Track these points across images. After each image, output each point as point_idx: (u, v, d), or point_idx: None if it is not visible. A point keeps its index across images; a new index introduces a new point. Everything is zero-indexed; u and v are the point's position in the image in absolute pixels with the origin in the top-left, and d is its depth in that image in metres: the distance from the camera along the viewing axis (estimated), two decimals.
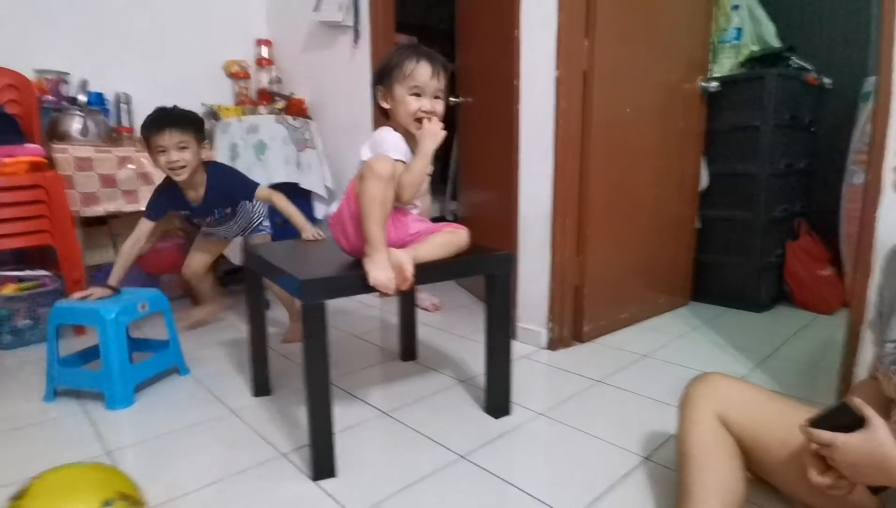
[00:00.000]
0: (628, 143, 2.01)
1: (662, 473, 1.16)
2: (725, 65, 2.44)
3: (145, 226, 1.78)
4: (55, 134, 2.31)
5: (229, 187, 1.89)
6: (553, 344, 1.90)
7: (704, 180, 2.39)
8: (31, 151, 2.01)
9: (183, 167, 1.72)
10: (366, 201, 1.15)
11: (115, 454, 1.28)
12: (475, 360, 1.81)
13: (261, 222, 2.04)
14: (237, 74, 3.02)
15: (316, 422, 1.15)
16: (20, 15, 2.41)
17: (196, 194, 1.83)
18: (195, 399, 1.58)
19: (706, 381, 1.03)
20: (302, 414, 1.43)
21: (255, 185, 1.91)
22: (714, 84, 2.25)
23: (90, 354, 1.68)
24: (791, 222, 2.43)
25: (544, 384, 1.66)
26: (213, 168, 1.88)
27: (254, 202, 1.98)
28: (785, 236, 2.40)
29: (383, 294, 1.17)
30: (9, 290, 2.02)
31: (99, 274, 2.44)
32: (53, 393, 1.56)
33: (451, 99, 2.38)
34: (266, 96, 2.91)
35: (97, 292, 1.63)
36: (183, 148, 1.71)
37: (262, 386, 1.58)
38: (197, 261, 2.07)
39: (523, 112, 1.88)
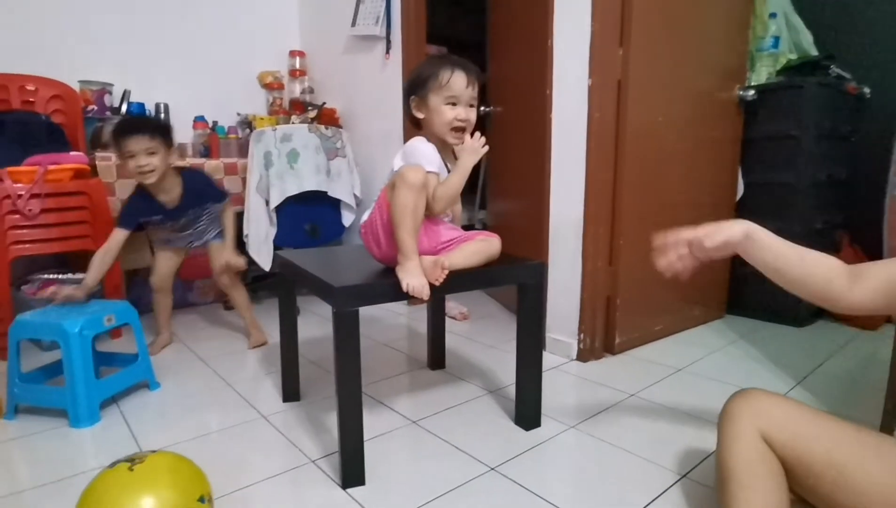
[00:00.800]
0: (662, 152, 1.97)
1: (700, 492, 1.12)
2: (763, 73, 2.38)
3: (119, 235, 1.80)
4: (98, 143, 2.39)
5: (204, 191, 1.96)
6: (583, 356, 1.87)
7: (739, 190, 2.33)
8: (75, 159, 2.08)
9: (151, 171, 1.77)
10: (397, 210, 1.15)
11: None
12: (504, 370, 1.79)
13: (217, 232, 2.06)
14: (271, 85, 3.08)
15: (346, 430, 1.15)
16: (67, 29, 2.51)
17: (169, 197, 1.89)
18: (169, 414, 1.54)
19: (747, 397, 0.99)
20: (331, 421, 1.44)
21: (226, 192, 2.05)
22: (751, 93, 2.20)
23: (55, 369, 1.63)
24: (832, 235, 2.35)
25: (575, 396, 1.63)
26: (187, 172, 1.96)
27: (219, 207, 2.02)
28: (826, 249, 2.28)
29: (414, 301, 1.17)
30: (50, 292, 2.09)
31: (137, 279, 2.51)
32: (14, 411, 1.50)
33: (482, 108, 2.38)
34: (299, 106, 2.96)
35: (66, 290, 1.64)
36: (151, 153, 1.77)
37: (291, 392, 1.59)
38: (165, 265, 2.06)
39: (555, 121, 1.87)
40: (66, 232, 2.01)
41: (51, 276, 2.18)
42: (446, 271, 1.16)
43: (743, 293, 2.38)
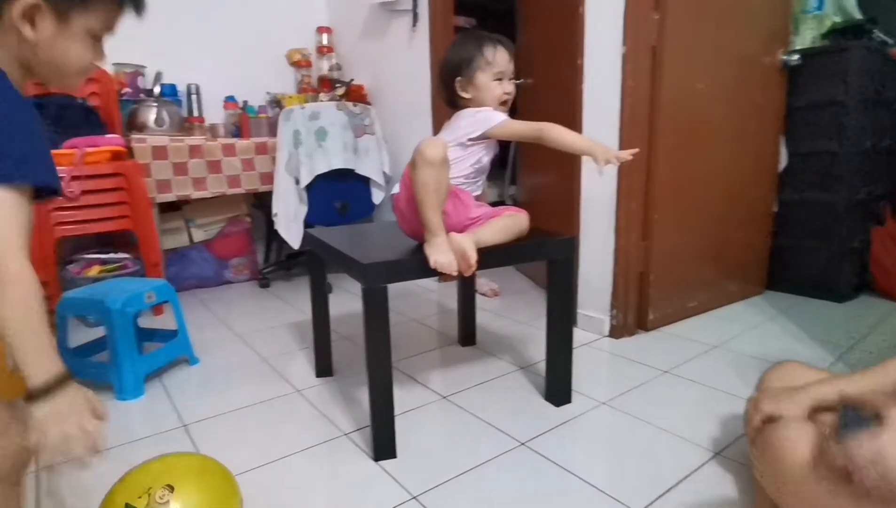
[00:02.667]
0: (701, 121, 1.90)
1: (736, 469, 1.10)
2: (807, 36, 2.26)
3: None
4: (133, 125, 2.44)
5: None
6: (615, 332, 1.84)
7: (783, 160, 2.24)
8: (112, 142, 2.13)
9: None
10: (419, 189, 1.14)
11: (176, 433, 1.35)
12: (535, 346, 1.78)
13: None
14: (299, 63, 3.08)
15: (377, 404, 1.16)
16: None
17: None
18: (208, 388, 1.58)
19: (782, 370, 1.00)
20: (363, 395, 1.46)
21: None
22: (795, 57, 2.09)
23: (101, 344, 1.68)
24: (875, 206, 2.24)
25: (607, 372, 1.62)
26: None
27: None
28: (869, 221, 2.22)
29: (444, 277, 1.17)
30: (94, 271, 2.17)
31: (175, 256, 2.58)
32: None
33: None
34: (327, 83, 2.96)
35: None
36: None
37: (324, 367, 1.62)
38: None
39: (587, 92, 1.81)
40: (106, 213, 2.07)
41: (94, 255, 2.26)
42: (474, 268, 1.15)
43: (783, 268, 2.30)
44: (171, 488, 0.79)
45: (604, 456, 1.20)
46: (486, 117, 1.27)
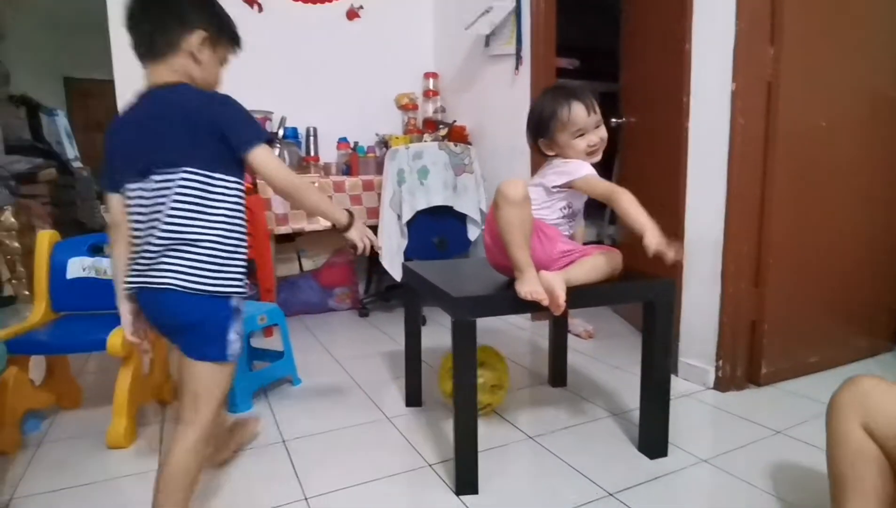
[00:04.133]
0: (823, 160, 1.75)
1: None
2: None
3: None
4: None
5: None
6: (722, 385, 1.71)
7: None
8: None
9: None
10: (504, 228, 1.16)
11: (275, 447, 1.44)
12: (629, 393, 1.69)
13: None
14: (407, 106, 3.27)
15: (461, 438, 1.17)
16: (236, 66, 2.89)
17: None
18: (307, 408, 1.66)
19: (854, 386, 0.88)
20: (449, 428, 1.47)
21: None
22: None
23: None
24: None
25: (710, 427, 1.50)
26: None
27: None
28: None
29: (537, 316, 1.17)
30: None
31: (285, 284, 2.79)
32: None
33: (613, 120, 2.30)
34: (431, 125, 3.10)
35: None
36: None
37: (414, 397, 1.66)
38: None
39: (693, 130, 1.75)
40: None
41: None
42: (563, 307, 1.13)
43: None
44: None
45: None
46: (571, 169, 1.27)
